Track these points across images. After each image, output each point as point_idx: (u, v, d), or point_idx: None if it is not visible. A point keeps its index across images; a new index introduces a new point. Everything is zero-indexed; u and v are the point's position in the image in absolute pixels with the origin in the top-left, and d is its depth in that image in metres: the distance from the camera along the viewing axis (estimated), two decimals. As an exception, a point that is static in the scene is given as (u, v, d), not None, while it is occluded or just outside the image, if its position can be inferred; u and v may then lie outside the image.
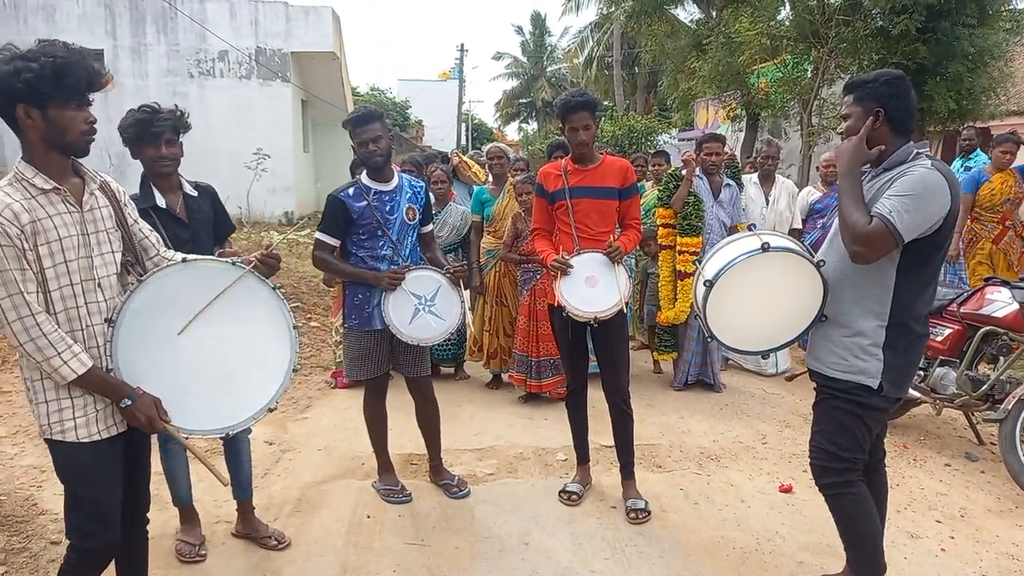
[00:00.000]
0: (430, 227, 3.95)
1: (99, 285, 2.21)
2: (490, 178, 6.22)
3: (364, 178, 3.64)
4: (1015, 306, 4.27)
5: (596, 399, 3.94)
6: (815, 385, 2.83)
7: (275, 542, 3.33)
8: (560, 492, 3.84)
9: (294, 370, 2.50)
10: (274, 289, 2.48)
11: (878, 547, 2.78)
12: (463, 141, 35.90)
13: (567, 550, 3.36)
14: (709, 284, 2.71)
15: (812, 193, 6.47)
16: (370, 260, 3.61)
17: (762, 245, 2.64)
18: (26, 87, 2.01)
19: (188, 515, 3.32)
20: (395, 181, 3.68)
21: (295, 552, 3.30)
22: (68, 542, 2.30)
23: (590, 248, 3.57)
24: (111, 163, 14.59)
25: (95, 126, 2.18)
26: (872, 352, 2.57)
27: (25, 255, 2.02)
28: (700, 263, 2.81)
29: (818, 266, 2.64)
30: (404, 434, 4.15)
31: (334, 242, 3.63)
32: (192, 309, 2.31)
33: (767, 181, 6.25)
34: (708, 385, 5.79)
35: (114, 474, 2.32)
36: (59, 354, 2.07)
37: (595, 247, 3.57)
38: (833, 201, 6.37)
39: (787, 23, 12.95)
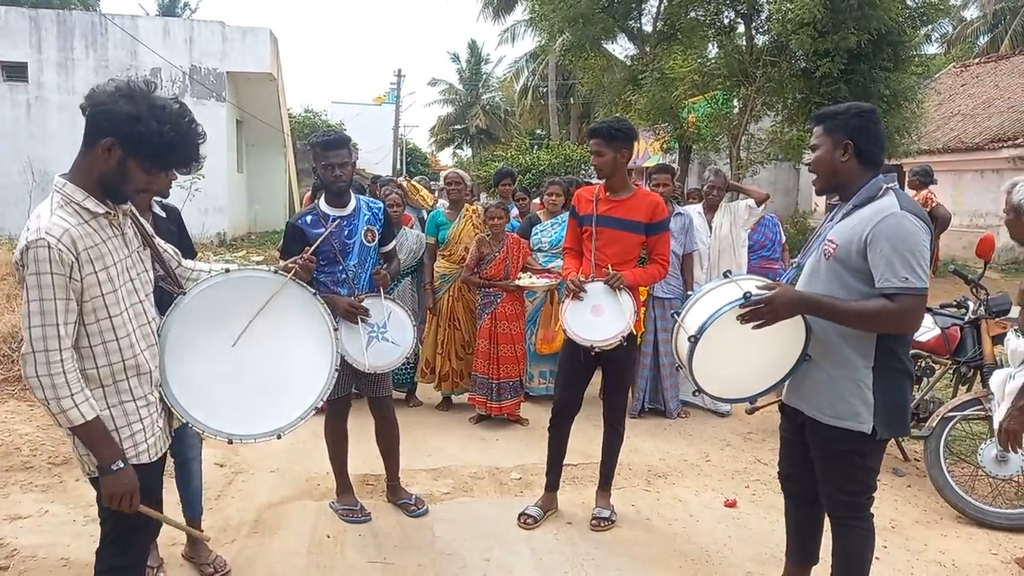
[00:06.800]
0: (391, 245, 3.98)
1: (143, 307, 2.17)
2: (442, 203, 6.31)
3: (322, 204, 3.67)
4: (937, 331, 4.59)
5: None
6: (783, 413, 2.86)
7: (212, 570, 3.21)
8: (520, 515, 3.86)
9: (337, 369, 2.66)
10: (314, 294, 2.67)
11: None
12: (398, 166, 35.84)
13: (528, 565, 3.44)
14: (694, 340, 2.49)
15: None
16: (331, 284, 3.62)
17: (744, 294, 2.43)
18: (134, 137, 1.94)
19: (145, 537, 3.25)
20: (352, 204, 3.71)
21: (258, 572, 3.28)
22: None
23: (599, 277, 3.67)
24: (34, 180, 14.07)
25: (152, 187, 2.17)
26: (864, 395, 2.48)
27: (72, 285, 1.92)
28: (679, 314, 2.66)
29: None
30: (359, 455, 4.16)
31: None
32: (240, 318, 2.40)
33: (711, 211, 6.37)
34: (659, 412, 5.81)
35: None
36: (72, 395, 1.95)
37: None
38: (767, 231, 6.68)
39: (717, 61, 13.56)
